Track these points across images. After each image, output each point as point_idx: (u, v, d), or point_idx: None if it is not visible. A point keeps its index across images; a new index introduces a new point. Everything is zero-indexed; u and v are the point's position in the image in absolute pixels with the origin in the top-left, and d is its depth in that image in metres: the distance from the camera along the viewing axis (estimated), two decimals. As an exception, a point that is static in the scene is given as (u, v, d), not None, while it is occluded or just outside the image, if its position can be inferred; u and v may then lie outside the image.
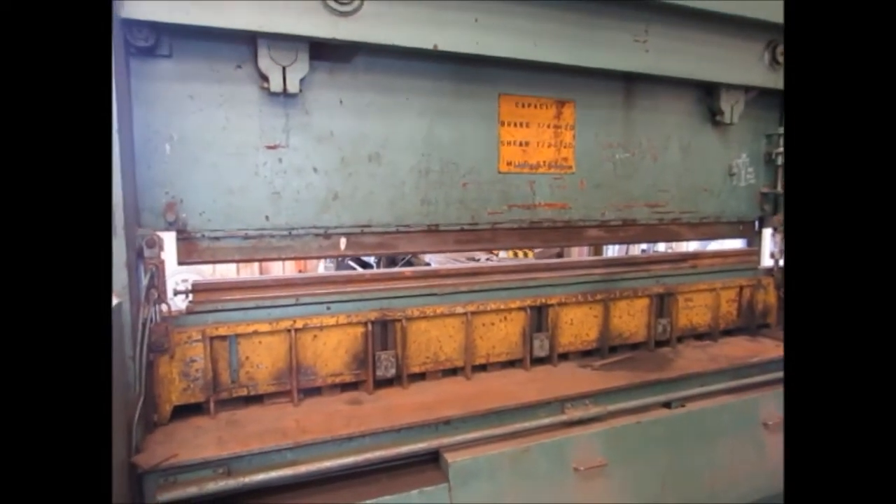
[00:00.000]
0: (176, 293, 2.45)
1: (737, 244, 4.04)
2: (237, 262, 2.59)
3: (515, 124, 3.01)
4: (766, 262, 3.89)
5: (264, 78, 2.37)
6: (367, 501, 2.12)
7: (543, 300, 3.08)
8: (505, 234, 3.08)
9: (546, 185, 3.13)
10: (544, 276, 3.18)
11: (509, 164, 3.01)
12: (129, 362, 2.08)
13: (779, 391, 3.06)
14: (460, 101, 2.85)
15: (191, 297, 2.49)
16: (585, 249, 5.96)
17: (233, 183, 2.46)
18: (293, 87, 2.39)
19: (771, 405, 3.04)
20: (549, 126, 3.09)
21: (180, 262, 2.43)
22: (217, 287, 2.57)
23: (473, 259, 4.95)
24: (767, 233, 3.88)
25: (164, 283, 2.28)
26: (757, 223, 3.90)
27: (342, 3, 2.26)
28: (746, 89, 3.47)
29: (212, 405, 2.43)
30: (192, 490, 2.00)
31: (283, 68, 2.36)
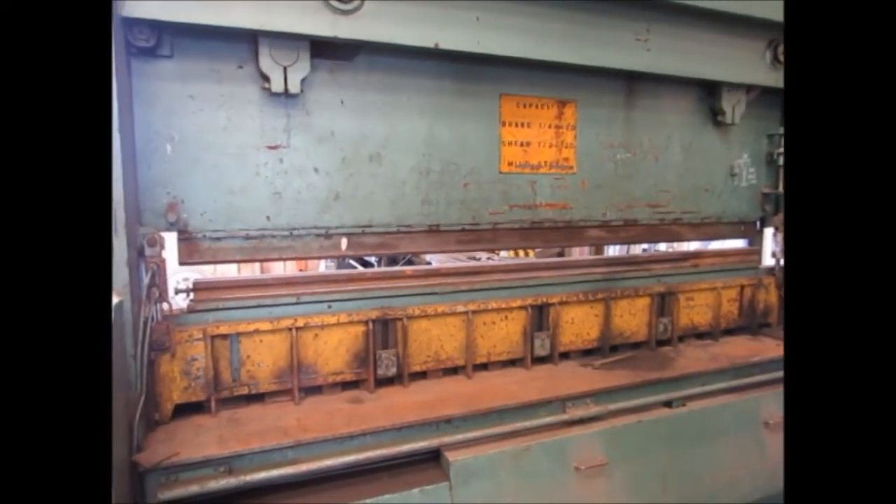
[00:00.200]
0: (177, 292, 2.45)
1: (738, 243, 4.04)
2: (238, 262, 2.59)
3: (516, 124, 3.01)
4: (768, 261, 3.89)
5: (265, 78, 2.38)
6: (368, 500, 2.12)
7: (544, 299, 3.08)
8: (506, 235, 3.08)
9: (547, 185, 3.13)
10: (545, 275, 3.18)
11: (510, 164, 3.01)
12: (131, 361, 2.09)
13: (780, 391, 3.05)
14: (461, 101, 2.85)
15: (192, 295, 2.49)
16: (586, 249, 5.95)
17: (234, 183, 2.46)
18: (294, 87, 2.39)
19: (772, 404, 3.04)
20: (550, 126, 3.09)
21: (181, 263, 2.44)
22: (218, 286, 2.57)
23: (474, 258, 4.95)
24: (769, 232, 3.88)
25: (165, 282, 2.28)
26: (758, 223, 3.90)
27: (343, 2, 2.26)
28: (748, 89, 3.47)
29: (213, 404, 2.43)
30: (194, 488, 2.00)
31: (285, 68, 2.36)
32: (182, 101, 2.35)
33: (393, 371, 2.74)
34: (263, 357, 2.52)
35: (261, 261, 2.69)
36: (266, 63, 2.34)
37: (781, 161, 3.70)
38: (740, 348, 3.46)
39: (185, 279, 2.49)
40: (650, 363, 3.14)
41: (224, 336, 2.45)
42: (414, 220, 2.83)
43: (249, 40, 2.37)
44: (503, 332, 3.02)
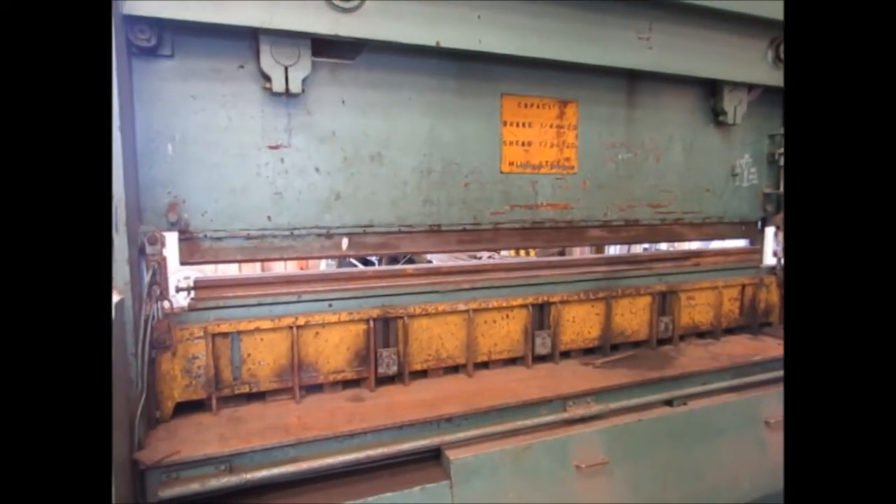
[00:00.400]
0: (178, 290, 2.46)
1: (739, 242, 4.03)
2: (239, 262, 2.58)
3: (518, 124, 3.01)
4: (769, 260, 3.89)
5: (266, 78, 2.38)
6: (369, 498, 2.12)
7: (545, 298, 3.09)
8: (507, 235, 3.08)
9: (548, 185, 3.13)
10: (546, 274, 3.18)
11: (511, 164, 3.01)
12: (132, 359, 2.09)
13: (780, 390, 3.05)
14: (462, 100, 2.85)
15: (193, 293, 2.49)
16: (587, 248, 5.94)
17: (235, 183, 2.47)
18: (295, 86, 2.39)
19: (772, 404, 3.04)
20: (551, 126, 3.09)
21: (182, 262, 2.44)
22: (219, 284, 2.57)
23: (475, 257, 4.95)
24: (770, 231, 3.88)
25: (166, 280, 2.28)
26: (759, 223, 3.89)
27: (345, 0, 2.26)
28: (750, 88, 3.47)
29: (214, 402, 2.43)
30: (195, 486, 2.01)
31: (286, 68, 2.36)
32: (183, 101, 2.36)
33: (394, 369, 2.74)
34: (264, 355, 2.53)
35: (262, 261, 2.69)
36: (267, 63, 2.34)
37: (783, 161, 3.69)
38: (741, 347, 3.46)
39: (186, 277, 2.49)
40: (651, 362, 3.14)
41: (225, 334, 2.46)
42: (415, 220, 2.83)
43: (250, 40, 2.37)
44: (504, 330, 3.02)
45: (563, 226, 3.21)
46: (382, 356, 2.71)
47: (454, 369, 2.95)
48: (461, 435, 2.39)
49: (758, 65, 3.29)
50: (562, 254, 3.91)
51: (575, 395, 2.67)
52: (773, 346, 3.46)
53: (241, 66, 2.42)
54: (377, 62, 2.64)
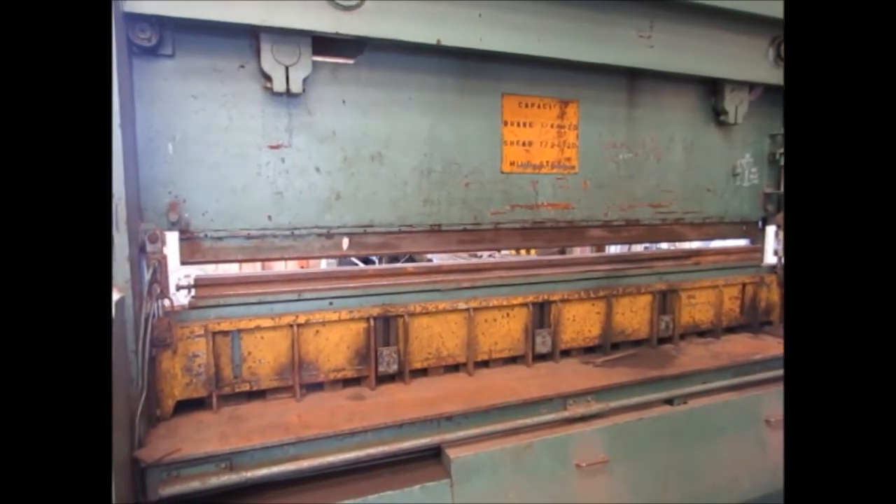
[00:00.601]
0: (178, 288, 2.46)
1: (740, 241, 4.03)
2: (240, 261, 2.58)
3: (518, 124, 3.01)
4: (770, 259, 3.89)
5: (267, 78, 2.38)
6: (370, 497, 2.13)
7: (546, 296, 3.09)
8: (507, 235, 3.08)
9: (549, 185, 3.13)
10: (547, 273, 3.17)
11: (512, 164, 3.02)
12: (132, 357, 2.09)
13: (781, 389, 3.05)
14: (463, 100, 2.85)
15: (193, 292, 2.49)
16: (588, 247, 5.94)
17: (235, 183, 2.47)
18: (296, 86, 2.40)
19: (773, 402, 3.04)
20: (552, 126, 3.09)
21: (183, 262, 2.45)
22: (219, 282, 2.57)
23: (476, 256, 4.95)
24: (771, 230, 3.88)
25: (166, 278, 2.28)
26: (760, 223, 3.89)
27: (345, -2, 2.26)
28: (751, 87, 3.47)
29: (214, 400, 2.44)
30: (195, 485, 2.01)
31: (286, 68, 2.36)
32: (184, 101, 2.36)
33: (394, 368, 2.74)
34: (265, 354, 2.53)
35: (262, 260, 2.69)
36: (268, 62, 2.34)
37: (784, 161, 3.69)
38: (742, 346, 3.46)
39: (187, 276, 2.49)
40: (651, 361, 3.14)
41: (225, 332, 2.46)
42: (415, 220, 2.83)
43: (251, 39, 2.38)
44: (504, 329, 3.02)
45: (563, 226, 3.21)
46: (383, 355, 2.71)
47: (454, 368, 2.95)
48: (461, 433, 2.40)
49: (759, 63, 3.29)
50: (562, 253, 3.91)
51: (575, 393, 2.67)
52: (773, 345, 3.46)
53: (242, 66, 2.42)
54: (378, 61, 2.64)
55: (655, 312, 3.40)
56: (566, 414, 2.60)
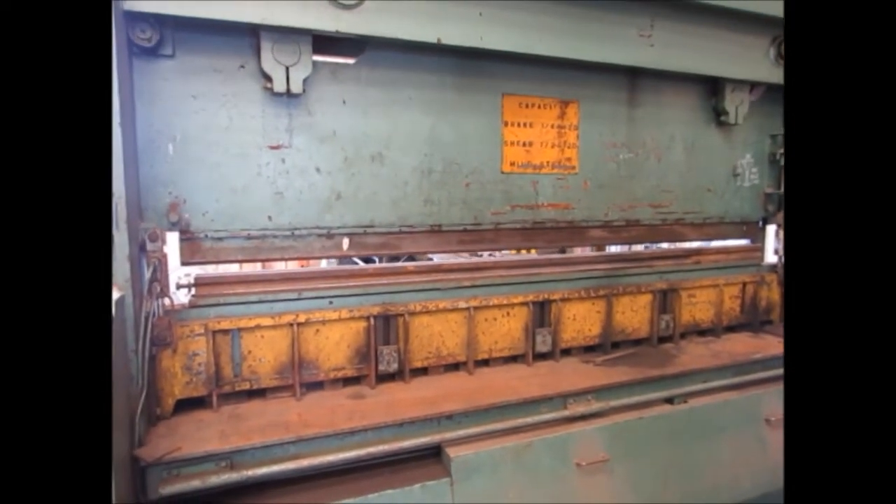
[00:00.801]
0: (178, 287, 2.46)
1: (740, 241, 4.03)
2: (240, 262, 2.58)
3: (519, 124, 3.01)
4: (770, 258, 3.89)
5: (267, 78, 2.38)
6: (370, 496, 2.13)
7: (546, 295, 3.09)
8: (508, 235, 3.08)
9: (549, 185, 3.13)
10: (547, 272, 3.17)
11: (512, 164, 3.02)
12: (132, 356, 2.09)
13: (781, 388, 3.05)
14: (463, 99, 2.85)
15: (193, 290, 2.50)
16: (588, 247, 5.94)
17: (236, 183, 2.47)
18: (296, 87, 2.40)
19: (773, 401, 3.04)
20: (552, 126, 3.09)
21: (183, 263, 2.45)
22: (219, 281, 2.57)
23: (476, 255, 4.95)
24: (771, 229, 3.88)
25: (166, 277, 2.29)
26: (760, 223, 3.89)
27: (346, -3, 2.26)
28: (752, 87, 3.47)
29: (214, 399, 2.44)
30: (195, 483, 2.01)
31: (287, 68, 2.36)
32: (184, 101, 2.36)
33: (394, 367, 2.75)
34: (265, 352, 2.53)
35: (262, 261, 2.69)
36: (268, 63, 2.34)
37: (784, 160, 3.69)
38: (742, 345, 3.46)
39: (187, 274, 2.49)
40: (652, 360, 3.14)
41: (225, 331, 2.46)
42: (416, 220, 2.83)
43: (251, 38, 2.38)
44: (505, 328, 3.02)
45: (563, 226, 3.21)
46: (383, 353, 2.72)
47: (455, 367, 2.95)
48: (462, 432, 2.40)
49: (760, 62, 3.28)
50: (563, 252, 3.91)
51: (575, 392, 2.68)
52: (773, 344, 3.46)
53: (242, 66, 2.42)
54: (378, 61, 2.64)
55: (656, 311, 3.40)
56: (566, 413, 2.61)
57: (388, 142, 2.72)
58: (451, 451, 2.30)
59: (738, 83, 3.39)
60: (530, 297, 3.04)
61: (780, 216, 3.76)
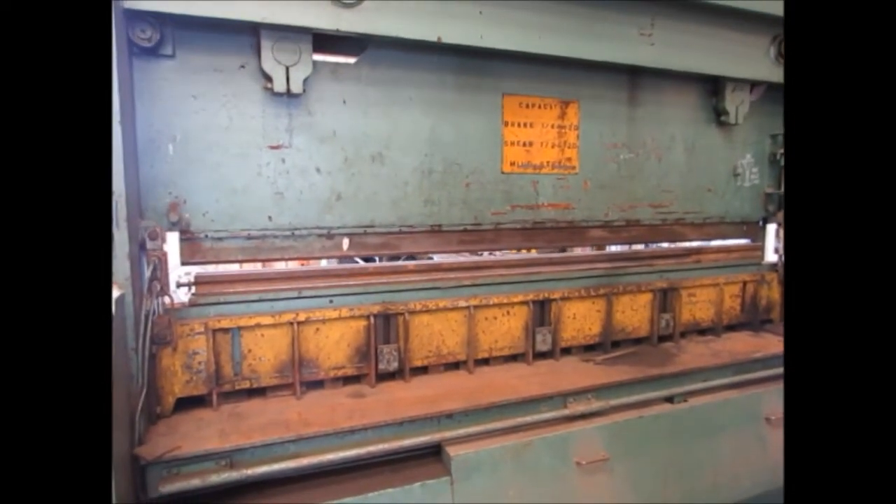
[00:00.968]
0: (178, 285, 2.46)
1: (741, 240, 4.03)
2: (240, 262, 2.58)
3: (519, 124, 3.01)
4: (770, 257, 3.89)
5: (268, 78, 2.38)
6: (370, 494, 2.13)
7: (546, 294, 3.08)
8: (508, 235, 3.08)
9: (549, 185, 3.13)
10: (547, 271, 3.17)
11: (513, 164, 3.02)
12: (132, 354, 2.09)
13: (781, 387, 3.05)
14: (463, 99, 2.85)
15: (193, 289, 2.50)
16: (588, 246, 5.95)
17: (236, 183, 2.47)
18: (296, 87, 2.40)
19: (773, 400, 3.04)
20: (552, 126, 3.09)
21: (183, 263, 2.45)
22: (220, 279, 2.57)
23: (476, 254, 4.95)
24: (771, 228, 3.88)
25: (166, 276, 2.28)
26: (761, 223, 3.89)
27: (346, -5, 2.26)
28: (752, 86, 3.47)
29: (214, 398, 2.44)
30: (195, 482, 2.01)
31: (287, 68, 2.36)
32: (184, 101, 2.36)
33: (394, 366, 2.74)
34: (265, 351, 2.53)
35: (262, 261, 2.69)
36: (268, 63, 2.34)
37: (783, 160, 3.69)
38: (742, 344, 3.46)
39: (188, 273, 2.50)
40: (652, 359, 3.14)
41: (225, 330, 2.46)
42: (416, 221, 2.83)
43: (252, 39, 2.38)
44: (505, 327, 3.02)
45: (564, 226, 3.21)
46: (383, 352, 2.72)
47: (455, 366, 2.95)
48: (462, 431, 2.40)
49: (760, 61, 3.28)
50: (563, 251, 3.91)
51: (575, 391, 2.68)
52: (774, 343, 3.45)
53: (243, 66, 2.42)
54: (378, 60, 2.64)
55: (656, 310, 3.40)
56: (566, 412, 2.61)
57: (388, 142, 2.72)
58: (452, 450, 2.30)
59: (739, 83, 3.38)
60: (530, 296, 3.04)
61: (781, 215, 3.76)
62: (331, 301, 2.65)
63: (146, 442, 2.09)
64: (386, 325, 2.76)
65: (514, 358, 3.10)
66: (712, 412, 2.89)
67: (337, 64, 2.57)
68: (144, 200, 2.31)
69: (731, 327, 3.76)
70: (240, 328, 2.48)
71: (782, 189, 3.75)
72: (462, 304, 2.88)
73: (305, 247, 2.65)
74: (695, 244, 3.76)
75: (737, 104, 3.44)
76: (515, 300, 3.01)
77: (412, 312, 2.77)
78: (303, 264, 3.07)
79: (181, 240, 2.41)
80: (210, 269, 2.61)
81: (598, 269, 3.29)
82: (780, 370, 3.15)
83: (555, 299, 3.10)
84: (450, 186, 2.88)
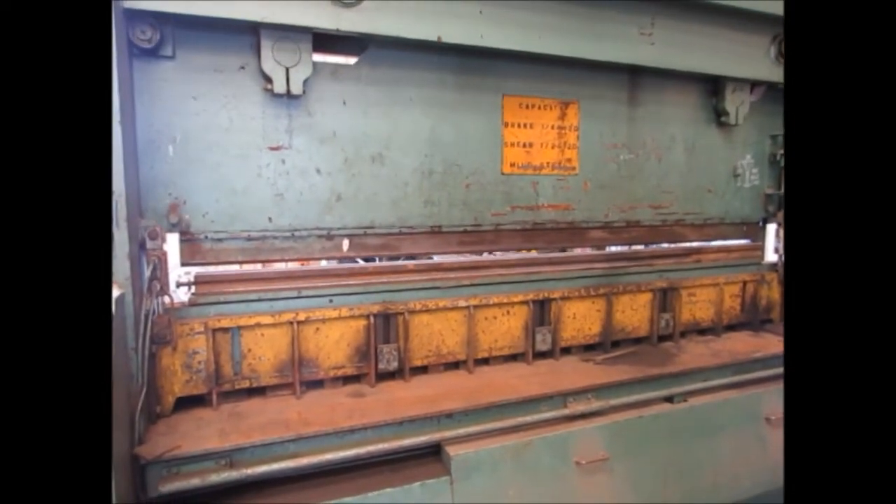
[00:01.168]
0: (178, 285, 2.46)
1: (741, 240, 4.03)
2: (240, 263, 2.59)
3: (519, 125, 3.01)
4: (771, 257, 3.89)
5: (268, 79, 2.38)
6: (369, 494, 2.13)
7: (546, 294, 3.08)
8: (508, 236, 3.09)
9: (549, 186, 3.13)
10: (547, 271, 3.17)
11: (513, 165, 3.02)
12: (132, 354, 2.09)
13: (781, 386, 3.05)
14: (464, 99, 2.86)
15: (193, 288, 2.50)
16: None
17: (236, 184, 2.47)
18: (296, 88, 2.40)
19: (773, 400, 3.04)
20: (552, 127, 3.09)
21: (183, 263, 2.45)
22: (220, 279, 2.57)
23: (477, 253, 4.95)
24: (772, 228, 3.88)
25: (166, 275, 2.29)
26: (761, 223, 3.89)
27: (346, -5, 2.26)
28: (752, 87, 3.46)
29: (214, 397, 2.44)
30: (195, 481, 2.01)
31: (287, 69, 2.37)
32: (184, 102, 2.36)
33: (394, 365, 2.74)
34: (265, 351, 2.53)
35: (262, 262, 2.69)
36: (268, 64, 2.34)
37: (784, 159, 3.69)
38: (742, 344, 3.46)
39: (187, 272, 2.49)
40: (651, 358, 3.14)
41: (225, 329, 2.46)
42: (416, 221, 2.83)
43: (252, 39, 2.38)
44: (504, 326, 3.02)
45: (564, 227, 3.21)
46: (383, 352, 2.71)
47: (454, 365, 2.95)
48: (461, 431, 2.40)
49: (760, 61, 3.28)
50: (563, 250, 3.92)
51: (575, 391, 2.68)
52: (774, 343, 3.45)
53: (243, 68, 2.42)
54: (378, 60, 2.64)
55: (656, 310, 3.40)
56: (566, 411, 2.61)
57: (388, 142, 2.72)
58: (451, 450, 2.30)
59: (739, 83, 3.38)
60: (530, 296, 3.04)
61: (781, 215, 3.76)
62: (331, 301, 2.65)
63: (146, 441, 2.10)
64: (386, 325, 2.76)
65: (513, 358, 3.10)
66: (712, 412, 2.89)
67: (337, 64, 2.58)
68: (144, 201, 2.31)
69: (731, 327, 3.76)
70: (240, 328, 2.48)
71: (782, 190, 3.74)
72: (462, 303, 2.88)
73: (305, 248, 2.65)
74: (695, 244, 3.76)
75: (737, 105, 3.44)
76: (515, 300, 3.01)
77: (412, 312, 2.77)
78: (303, 264, 3.07)
79: (181, 241, 2.41)
80: (210, 268, 2.61)
81: (598, 269, 3.29)
82: (780, 370, 3.15)
83: (555, 299, 3.10)
84: (450, 187, 2.89)
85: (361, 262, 2.90)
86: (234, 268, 2.63)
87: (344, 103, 2.62)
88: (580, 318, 3.21)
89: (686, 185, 3.54)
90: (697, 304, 3.57)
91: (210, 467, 2.07)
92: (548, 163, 3.11)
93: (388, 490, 2.16)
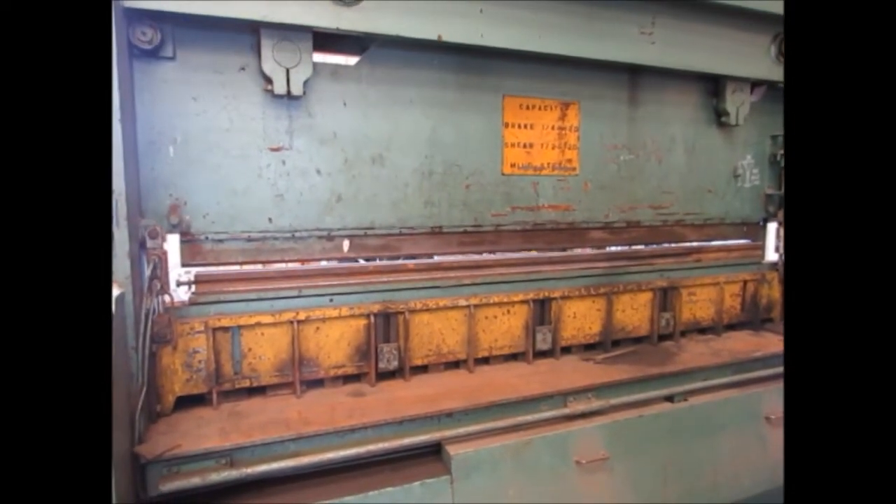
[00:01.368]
0: (179, 284, 2.46)
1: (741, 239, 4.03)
2: (240, 263, 2.59)
3: (519, 126, 3.01)
4: (771, 256, 3.89)
5: (268, 80, 2.38)
6: (369, 493, 2.13)
7: (546, 293, 3.08)
8: (508, 236, 3.09)
9: (550, 186, 3.13)
10: (547, 270, 3.17)
11: (513, 165, 3.02)
12: (132, 353, 2.09)
13: (781, 386, 3.05)
14: (464, 98, 2.85)
15: (193, 288, 2.50)
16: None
17: (236, 185, 2.47)
18: (297, 88, 2.40)
19: (773, 400, 3.04)
20: (553, 128, 3.09)
21: (184, 264, 2.45)
22: (220, 278, 2.57)
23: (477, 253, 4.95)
24: (772, 227, 3.88)
25: (166, 274, 2.29)
26: (761, 223, 3.89)
27: (346, -6, 2.26)
28: (753, 87, 3.46)
29: (214, 396, 2.44)
30: (195, 480, 2.01)
31: (287, 70, 2.36)
32: (184, 103, 2.36)
33: (394, 364, 2.75)
34: (265, 350, 2.53)
35: (263, 262, 2.69)
36: (269, 64, 2.34)
37: (784, 159, 3.68)
38: (742, 343, 3.46)
39: (187, 272, 2.49)
40: (652, 358, 3.14)
41: (226, 329, 2.46)
42: (416, 222, 2.83)
43: (252, 40, 2.38)
44: (505, 326, 3.02)
45: (564, 227, 3.22)
46: (383, 351, 2.72)
47: (455, 364, 2.95)
48: (462, 430, 2.40)
49: (761, 60, 3.28)
50: (563, 250, 3.92)
51: (575, 390, 2.68)
52: (774, 342, 3.45)
53: (243, 69, 2.42)
54: (378, 60, 2.64)
55: (656, 309, 3.40)
56: (566, 411, 2.61)
57: (388, 143, 2.72)
58: (452, 449, 2.30)
59: (739, 82, 3.38)
60: (530, 295, 3.04)
61: (781, 214, 3.76)
62: (331, 300, 2.65)
63: (146, 440, 2.10)
64: (386, 324, 2.76)
65: (514, 357, 3.10)
66: (712, 411, 2.89)
67: (337, 65, 2.58)
68: (145, 202, 2.31)
69: (732, 326, 3.76)
70: (240, 327, 2.48)
71: (782, 190, 3.74)
72: (462, 302, 2.88)
73: (306, 248, 2.65)
74: (695, 243, 3.76)
75: (737, 105, 3.43)
76: (516, 299, 3.01)
77: (412, 311, 2.77)
78: (303, 264, 3.07)
79: (182, 241, 2.41)
80: (210, 268, 2.61)
81: (599, 269, 3.29)
82: (781, 369, 3.14)
83: (555, 298, 3.10)
84: (450, 188, 2.89)
85: (362, 262, 2.89)
86: (235, 267, 2.63)
87: (344, 104, 2.62)
88: (580, 318, 3.21)
89: (686, 186, 3.53)
90: (698, 304, 3.57)
91: (210, 466, 2.07)
92: (548, 163, 3.11)
93: (389, 489, 2.16)
